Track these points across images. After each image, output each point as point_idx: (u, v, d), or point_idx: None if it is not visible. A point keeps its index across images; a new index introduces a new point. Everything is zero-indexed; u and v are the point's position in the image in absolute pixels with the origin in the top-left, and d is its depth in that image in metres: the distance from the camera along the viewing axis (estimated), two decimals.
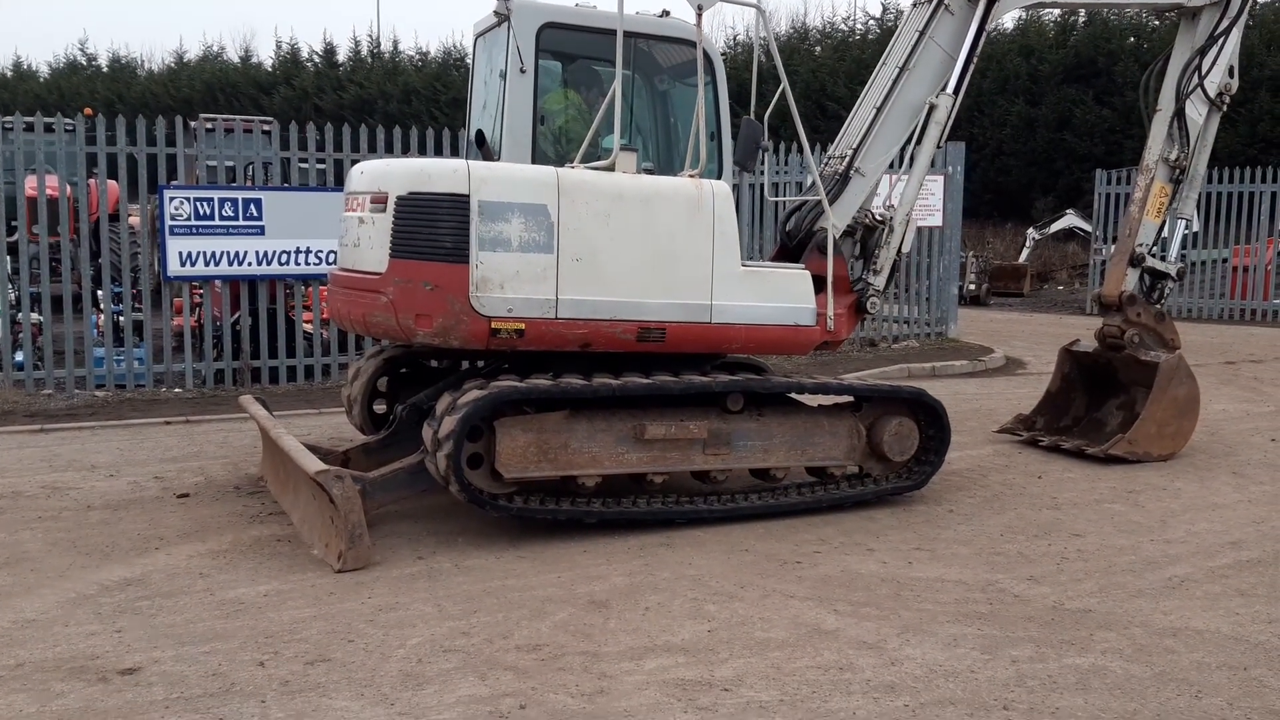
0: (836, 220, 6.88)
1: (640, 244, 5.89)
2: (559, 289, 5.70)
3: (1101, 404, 8.72)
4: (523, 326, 5.64)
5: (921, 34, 7.21)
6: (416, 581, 5.19)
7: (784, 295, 6.41)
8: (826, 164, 7.30)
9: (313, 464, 5.42)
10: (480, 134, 6.05)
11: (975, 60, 7.24)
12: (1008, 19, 28.97)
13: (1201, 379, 8.50)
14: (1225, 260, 19.98)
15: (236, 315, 10.95)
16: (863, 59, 36.03)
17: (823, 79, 35.47)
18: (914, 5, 7.47)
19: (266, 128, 11.13)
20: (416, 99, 41.09)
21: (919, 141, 7.23)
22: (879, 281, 7.07)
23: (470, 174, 5.49)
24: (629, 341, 5.93)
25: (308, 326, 11.38)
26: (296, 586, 5.10)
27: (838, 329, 6.65)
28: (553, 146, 6.68)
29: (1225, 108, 8.28)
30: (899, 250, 7.18)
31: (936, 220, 14.48)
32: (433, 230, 5.52)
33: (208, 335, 10.76)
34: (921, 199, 11.04)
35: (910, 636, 4.54)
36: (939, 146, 7.30)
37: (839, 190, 6.99)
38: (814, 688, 4.03)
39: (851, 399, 6.74)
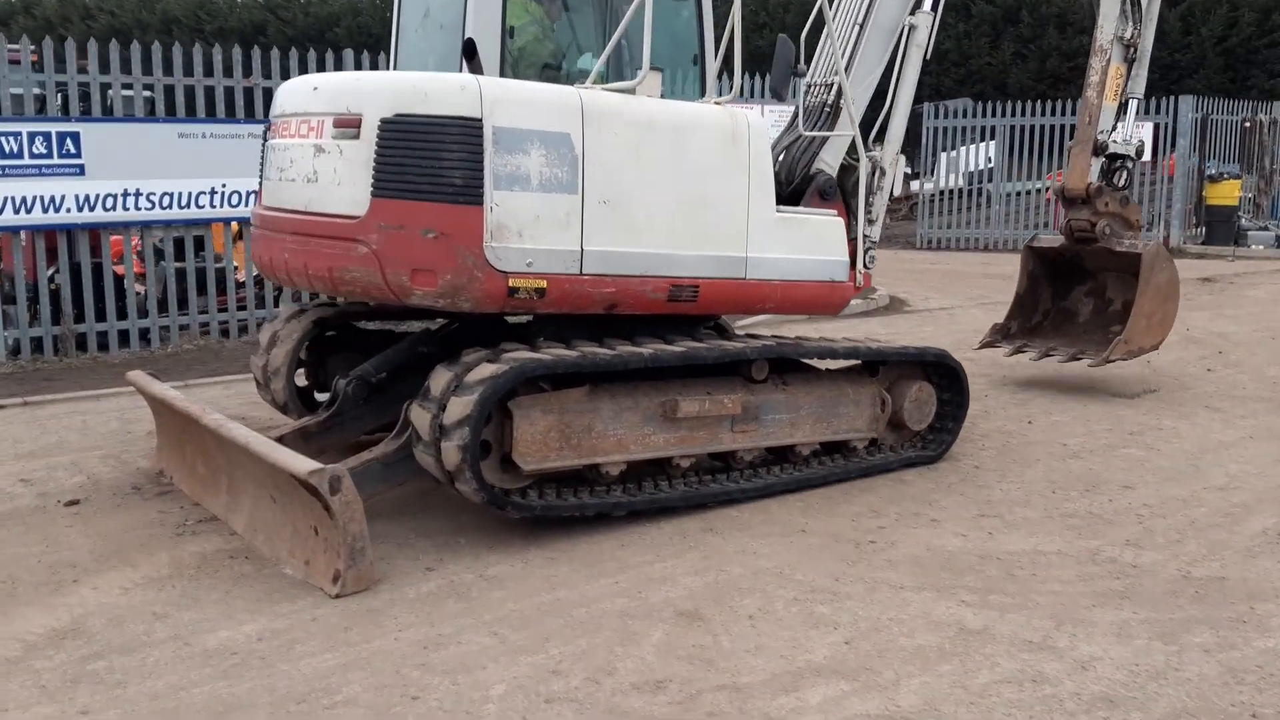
0: (832, 159, 6.11)
1: (672, 183, 4.94)
2: (584, 238, 4.68)
3: (1068, 293, 8.49)
4: (544, 284, 4.60)
5: None
6: (444, 602, 4.16)
7: (819, 246, 5.59)
8: (806, 94, 6.49)
9: (297, 462, 4.23)
10: (470, 43, 4.89)
11: None
12: None
13: None
14: (1040, 190, 20.51)
15: (52, 271, 9.20)
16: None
17: None
18: None
19: (15, 56, 9.22)
20: (179, 28, 37.52)
21: (900, 68, 6.53)
22: (875, 232, 6.32)
23: (483, 92, 4.38)
24: (659, 302, 4.98)
25: (139, 287, 9.72)
26: (293, 622, 3.97)
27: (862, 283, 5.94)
28: (511, 68, 5.60)
29: None
30: (890, 194, 6.50)
31: None
32: (435, 163, 4.37)
33: (21, 297, 8.99)
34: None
35: (1072, 629, 3.91)
36: (920, 71, 6.62)
37: (831, 124, 6.21)
38: (1027, 711, 3.33)
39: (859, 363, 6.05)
